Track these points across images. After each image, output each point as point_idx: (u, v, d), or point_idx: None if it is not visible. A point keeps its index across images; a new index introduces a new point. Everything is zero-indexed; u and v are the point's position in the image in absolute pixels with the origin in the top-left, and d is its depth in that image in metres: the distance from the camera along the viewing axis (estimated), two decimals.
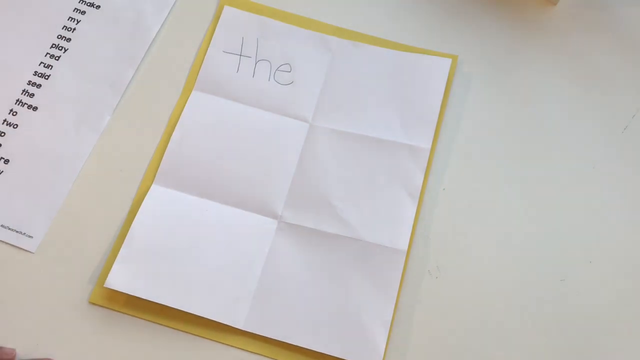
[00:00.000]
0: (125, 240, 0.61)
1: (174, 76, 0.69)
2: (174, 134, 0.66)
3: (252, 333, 0.58)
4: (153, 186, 0.64)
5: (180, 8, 0.72)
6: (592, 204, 0.65)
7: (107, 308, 0.59)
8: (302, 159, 0.65)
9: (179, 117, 0.66)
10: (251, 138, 0.66)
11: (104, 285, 0.59)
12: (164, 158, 0.65)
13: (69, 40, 0.69)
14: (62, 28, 0.70)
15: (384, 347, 0.58)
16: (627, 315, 0.61)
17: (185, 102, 0.67)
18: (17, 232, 0.61)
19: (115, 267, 0.59)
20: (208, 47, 0.70)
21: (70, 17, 0.70)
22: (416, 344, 0.59)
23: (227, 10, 0.72)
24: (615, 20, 0.73)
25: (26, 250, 0.61)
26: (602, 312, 0.61)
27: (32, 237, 0.61)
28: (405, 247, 0.61)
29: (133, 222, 0.61)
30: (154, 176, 0.64)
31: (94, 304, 0.59)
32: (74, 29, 0.70)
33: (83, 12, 0.71)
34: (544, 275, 0.62)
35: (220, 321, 0.58)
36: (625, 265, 0.62)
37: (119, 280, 0.59)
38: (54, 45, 0.69)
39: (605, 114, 0.69)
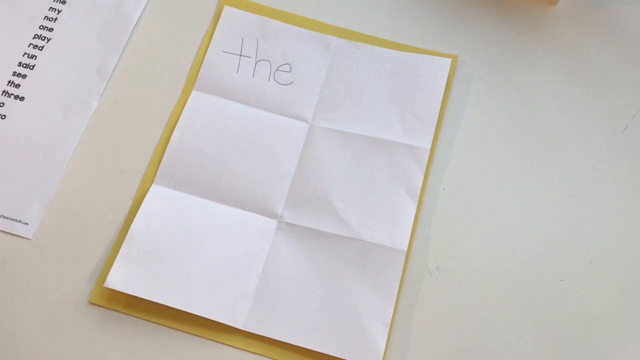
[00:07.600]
0: (125, 240, 0.61)
1: (173, 76, 0.69)
2: (174, 133, 0.66)
3: (251, 333, 0.58)
4: (153, 186, 0.64)
5: (180, 8, 0.72)
6: (592, 204, 0.65)
7: (107, 308, 0.59)
8: (302, 159, 0.65)
9: (179, 117, 0.66)
10: (251, 138, 0.66)
11: (104, 285, 0.59)
12: (163, 158, 0.65)
13: (51, 30, 0.70)
14: (44, 18, 0.71)
15: (384, 347, 0.58)
16: (627, 315, 0.61)
17: (185, 102, 0.67)
18: (11, 219, 0.62)
19: (115, 266, 0.59)
20: (208, 47, 0.70)
21: (51, 7, 0.71)
22: (416, 344, 0.59)
23: (227, 10, 0.72)
24: (615, 20, 0.73)
25: (22, 237, 0.61)
26: (602, 312, 0.61)
27: (27, 224, 0.62)
28: (405, 247, 0.61)
29: (133, 222, 0.61)
30: (154, 176, 0.64)
31: (93, 304, 0.59)
32: (56, 19, 0.71)
33: (64, 2, 0.71)
34: (544, 275, 0.62)
35: (220, 321, 0.58)
36: (625, 265, 0.62)
37: (119, 280, 0.59)
38: (36, 36, 0.70)
39: (605, 114, 0.69)
